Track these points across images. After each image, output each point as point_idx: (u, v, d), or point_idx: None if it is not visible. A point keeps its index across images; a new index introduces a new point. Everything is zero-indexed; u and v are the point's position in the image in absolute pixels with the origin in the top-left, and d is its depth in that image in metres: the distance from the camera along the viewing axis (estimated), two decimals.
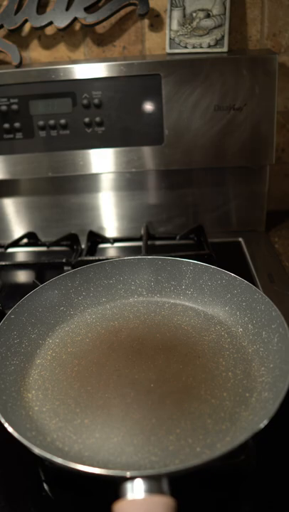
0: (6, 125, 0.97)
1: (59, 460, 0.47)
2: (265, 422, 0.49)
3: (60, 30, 0.98)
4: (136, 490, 0.44)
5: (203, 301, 0.76)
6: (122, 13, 0.99)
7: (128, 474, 0.45)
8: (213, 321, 0.73)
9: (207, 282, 0.76)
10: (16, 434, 0.50)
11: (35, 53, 1.04)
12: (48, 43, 1.03)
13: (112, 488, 0.56)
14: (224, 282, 0.75)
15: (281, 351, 0.60)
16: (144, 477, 0.45)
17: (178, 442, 0.53)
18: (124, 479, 0.45)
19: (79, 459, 0.51)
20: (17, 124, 0.97)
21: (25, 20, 0.96)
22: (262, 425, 0.49)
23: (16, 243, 1.08)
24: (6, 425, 0.51)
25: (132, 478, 0.45)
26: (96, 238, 1.09)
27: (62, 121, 0.97)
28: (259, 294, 0.70)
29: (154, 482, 0.45)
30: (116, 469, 0.49)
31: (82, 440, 0.54)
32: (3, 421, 0.52)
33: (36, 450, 0.49)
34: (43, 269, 0.99)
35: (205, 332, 0.71)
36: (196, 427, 0.55)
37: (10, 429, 0.51)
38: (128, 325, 0.73)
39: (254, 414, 0.55)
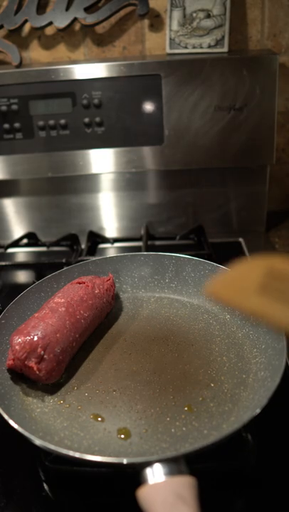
0: (6, 125, 0.97)
1: (76, 454, 0.48)
2: (269, 396, 0.51)
3: (60, 30, 0.98)
4: (156, 474, 0.45)
5: (188, 292, 0.78)
6: (122, 13, 0.99)
7: (147, 460, 0.46)
8: (200, 310, 0.75)
9: (190, 274, 0.78)
10: (27, 435, 0.50)
11: (35, 53, 1.04)
12: (48, 43, 1.03)
13: (111, 486, 0.56)
14: (207, 272, 0.76)
15: (272, 332, 0.62)
16: (163, 461, 0.46)
17: (185, 427, 0.55)
18: (144, 466, 0.46)
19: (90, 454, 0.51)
20: (17, 124, 0.97)
21: (25, 21, 0.96)
22: (266, 400, 0.51)
23: (16, 243, 1.08)
24: (16, 427, 0.51)
25: (151, 463, 0.46)
26: (96, 238, 1.09)
27: (62, 121, 0.97)
28: None
29: (173, 464, 0.46)
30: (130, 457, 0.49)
31: (90, 436, 0.55)
32: (12, 423, 0.52)
33: (52, 447, 0.49)
34: (43, 269, 0.99)
35: (193, 321, 0.72)
36: (199, 410, 0.57)
37: (23, 432, 0.51)
38: (117, 321, 0.74)
39: (254, 393, 0.57)
